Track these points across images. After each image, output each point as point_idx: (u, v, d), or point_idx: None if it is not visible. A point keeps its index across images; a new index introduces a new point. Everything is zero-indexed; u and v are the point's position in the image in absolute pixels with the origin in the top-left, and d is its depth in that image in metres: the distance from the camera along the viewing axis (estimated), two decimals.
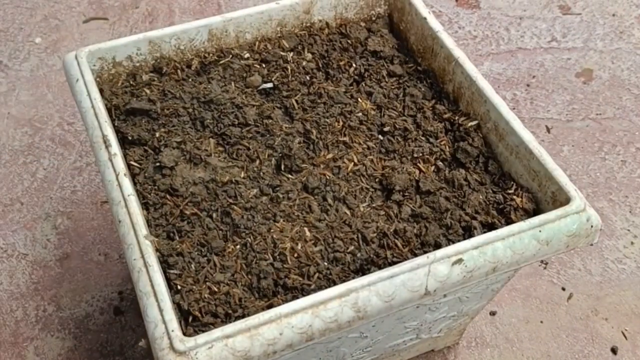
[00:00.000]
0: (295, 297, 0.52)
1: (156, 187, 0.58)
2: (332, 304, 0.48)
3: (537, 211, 0.58)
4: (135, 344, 0.82)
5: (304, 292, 0.52)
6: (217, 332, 0.46)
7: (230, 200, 0.57)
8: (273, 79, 0.68)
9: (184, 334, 0.47)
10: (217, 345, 0.45)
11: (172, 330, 0.46)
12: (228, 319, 0.50)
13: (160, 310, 0.47)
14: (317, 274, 0.53)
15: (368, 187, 0.61)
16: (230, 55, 0.69)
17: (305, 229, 0.56)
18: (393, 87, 0.68)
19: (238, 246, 0.55)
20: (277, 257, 0.54)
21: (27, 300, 0.85)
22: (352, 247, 0.55)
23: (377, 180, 0.61)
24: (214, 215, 0.56)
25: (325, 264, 0.54)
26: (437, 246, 0.55)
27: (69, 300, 0.85)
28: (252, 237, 0.55)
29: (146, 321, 0.48)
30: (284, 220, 0.56)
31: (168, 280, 0.52)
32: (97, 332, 0.83)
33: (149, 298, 0.48)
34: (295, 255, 0.54)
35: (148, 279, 0.49)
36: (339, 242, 0.55)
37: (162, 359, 0.45)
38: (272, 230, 0.55)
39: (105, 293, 0.86)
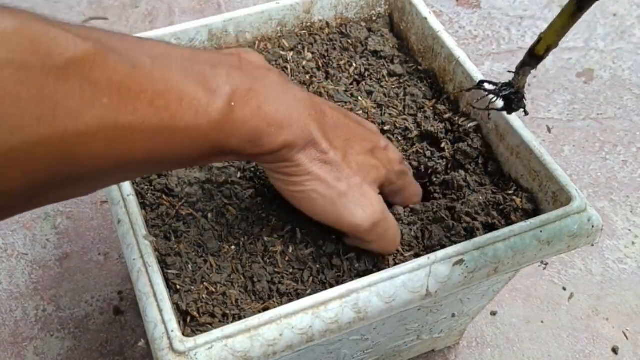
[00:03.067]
0: (290, 300, 0.51)
1: (152, 188, 0.58)
2: (332, 305, 0.47)
3: (537, 212, 0.58)
4: (135, 344, 0.82)
5: (299, 295, 0.52)
6: (217, 333, 0.45)
7: (226, 201, 0.57)
8: None
9: (183, 334, 0.46)
10: (217, 346, 0.45)
11: (172, 331, 0.46)
12: (225, 319, 0.50)
13: (160, 311, 0.47)
14: (311, 278, 0.53)
15: None
16: None
17: (297, 229, 0.55)
18: (393, 86, 0.68)
19: (233, 247, 0.54)
20: (268, 261, 0.54)
21: (27, 300, 0.85)
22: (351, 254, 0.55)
23: None
24: (209, 215, 0.56)
25: (318, 266, 0.53)
26: (440, 247, 0.55)
27: (69, 300, 0.85)
28: (245, 238, 0.55)
29: (145, 321, 0.47)
30: (275, 220, 0.55)
31: (167, 280, 0.51)
32: (97, 332, 0.83)
33: (148, 298, 0.48)
34: (287, 258, 0.54)
35: (147, 279, 0.49)
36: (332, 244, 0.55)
37: (162, 359, 0.45)
38: (264, 231, 0.55)
39: (105, 293, 0.86)
